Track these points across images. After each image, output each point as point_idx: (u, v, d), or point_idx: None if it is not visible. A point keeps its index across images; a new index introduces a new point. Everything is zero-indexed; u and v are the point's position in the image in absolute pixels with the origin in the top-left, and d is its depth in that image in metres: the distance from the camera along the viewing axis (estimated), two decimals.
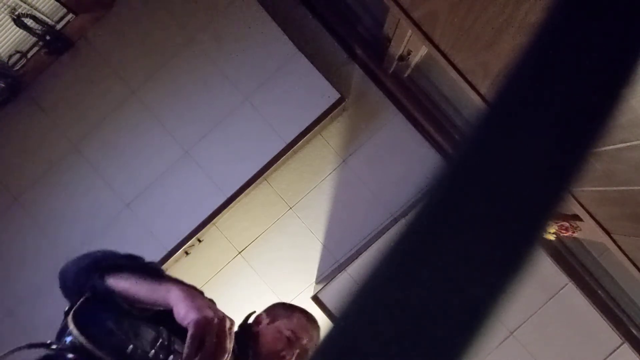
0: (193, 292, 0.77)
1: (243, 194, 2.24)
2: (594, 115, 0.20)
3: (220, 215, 2.24)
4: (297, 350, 1.11)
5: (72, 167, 2.28)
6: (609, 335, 2.03)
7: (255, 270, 2.40)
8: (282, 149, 2.21)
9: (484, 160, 0.20)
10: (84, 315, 0.73)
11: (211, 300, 0.82)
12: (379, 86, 2.35)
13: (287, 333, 1.12)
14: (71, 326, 0.69)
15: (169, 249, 2.21)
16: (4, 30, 2.13)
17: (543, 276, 2.04)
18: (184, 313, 0.72)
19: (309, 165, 2.39)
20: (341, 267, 2.22)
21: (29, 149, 2.29)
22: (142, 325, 0.76)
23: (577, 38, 0.20)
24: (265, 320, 1.18)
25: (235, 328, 1.12)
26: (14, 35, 2.18)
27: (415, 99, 2.33)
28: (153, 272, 0.83)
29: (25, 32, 2.12)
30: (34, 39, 2.20)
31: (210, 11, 2.21)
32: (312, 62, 2.19)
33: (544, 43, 0.21)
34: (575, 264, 2.16)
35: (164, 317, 0.75)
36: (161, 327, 0.78)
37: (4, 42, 2.19)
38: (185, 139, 2.24)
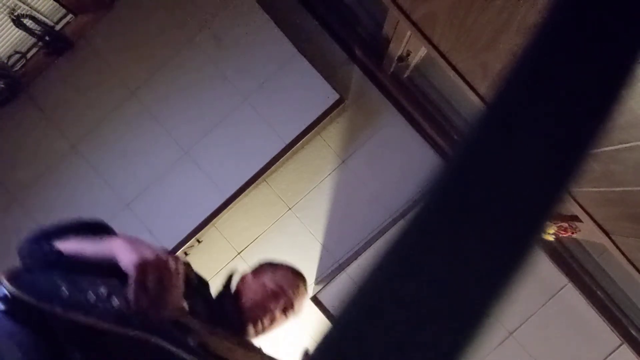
0: (136, 241, 0.76)
1: (242, 195, 2.24)
2: (592, 116, 0.20)
3: (219, 215, 2.24)
4: (282, 302, 1.09)
5: (72, 167, 2.27)
6: (608, 335, 2.03)
7: None
8: (282, 150, 2.21)
9: (483, 160, 0.20)
10: (24, 273, 0.74)
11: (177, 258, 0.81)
12: (379, 87, 2.35)
13: (272, 286, 1.10)
14: (1, 278, 0.69)
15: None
16: (3, 31, 2.13)
17: (542, 277, 2.04)
18: (126, 260, 0.71)
19: (309, 166, 2.39)
20: (340, 268, 2.22)
21: (29, 149, 2.28)
22: (92, 278, 0.75)
23: (576, 39, 0.21)
24: (249, 278, 1.16)
25: (219, 284, 1.11)
26: (14, 35, 2.18)
27: (414, 100, 2.33)
28: (100, 230, 0.87)
29: (24, 33, 2.12)
30: (34, 40, 2.20)
31: (210, 12, 2.21)
32: (311, 63, 2.19)
33: (543, 44, 0.21)
34: (574, 264, 2.16)
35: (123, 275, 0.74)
36: (114, 279, 0.76)
37: (3, 42, 2.19)
38: (185, 139, 2.24)
